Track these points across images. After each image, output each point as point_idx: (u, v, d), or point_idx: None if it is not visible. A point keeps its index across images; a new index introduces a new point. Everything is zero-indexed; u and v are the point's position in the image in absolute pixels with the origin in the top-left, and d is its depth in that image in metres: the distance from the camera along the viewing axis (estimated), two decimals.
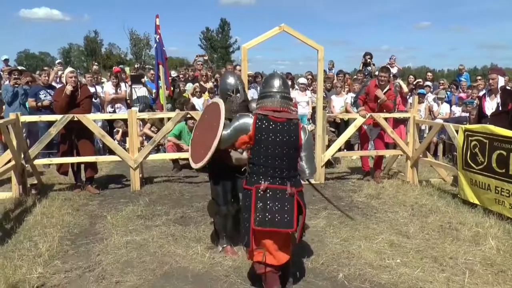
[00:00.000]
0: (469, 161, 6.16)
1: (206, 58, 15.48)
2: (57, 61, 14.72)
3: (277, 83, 3.69)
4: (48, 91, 9.00)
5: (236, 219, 4.42)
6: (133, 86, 10.66)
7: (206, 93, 10.72)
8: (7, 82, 9.13)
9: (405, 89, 9.70)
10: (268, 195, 3.49)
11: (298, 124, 3.63)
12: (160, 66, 9.90)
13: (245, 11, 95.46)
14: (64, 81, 9.69)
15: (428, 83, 11.53)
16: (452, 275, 4.07)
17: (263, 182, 3.49)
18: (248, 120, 3.64)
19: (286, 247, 3.60)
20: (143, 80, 11.08)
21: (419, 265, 4.26)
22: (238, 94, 4.42)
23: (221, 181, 4.45)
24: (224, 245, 4.56)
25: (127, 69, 14.95)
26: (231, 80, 4.47)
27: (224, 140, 3.81)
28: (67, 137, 6.89)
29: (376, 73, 9.46)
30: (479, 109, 6.99)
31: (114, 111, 10.08)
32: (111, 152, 7.55)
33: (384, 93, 7.46)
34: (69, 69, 7.20)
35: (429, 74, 13.18)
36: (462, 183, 6.32)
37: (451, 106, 10.67)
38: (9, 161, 6.60)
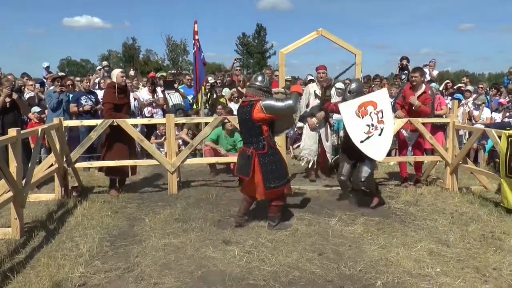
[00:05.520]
0: None
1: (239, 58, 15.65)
2: (104, 64, 15.00)
3: (253, 78, 5.49)
4: (89, 96, 9.30)
5: None
6: (166, 92, 10.83)
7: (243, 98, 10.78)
8: (51, 88, 9.46)
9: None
10: (241, 154, 5.36)
11: (254, 104, 5.16)
12: (198, 71, 10.04)
13: (283, 16, 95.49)
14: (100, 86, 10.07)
15: (469, 87, 11.23)
16: (496, 287, 3.94)
17: (242, 146, 5.46)
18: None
19: (256, 189, 5.29)
20: (175, 85, 11.26)
21: (460, 275, 4.13)
22: None
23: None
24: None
25: (164, 74, 15.20)
26: None
27: None
28: (115, 139, 7.12)
29: None
30: None
31: (152, 116, 10.27)
32: (149, 156, 7.69)
33: (419, 96, 7.32)
34: (119, 69, 7.44)
35: (464, 78, 12.79)
36: (505, 191, 6.11)
37: (491, 112, 10.34)
38: (52, 164, 6.84)
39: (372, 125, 5.63)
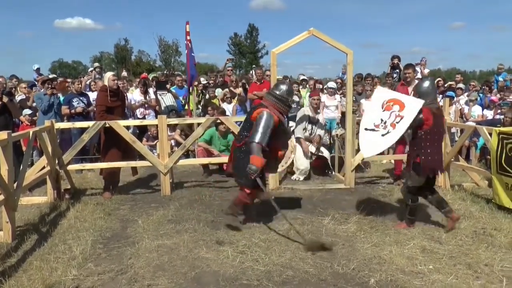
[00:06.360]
0: (504, 165, 6.00)
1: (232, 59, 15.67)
2: (95, 66, 14.80)
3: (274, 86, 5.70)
4: (81, 98, 9.26)
5: None
6: (158, 93, 10.80)
7: (236, 98, 10.79)
8: (41, 91, 9.41)
9: None
10: None
11: (258, 108, 5.21)
12: (189, 72, 10.05)
13: (275, 16, 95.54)
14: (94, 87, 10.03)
15: (461, 85, 11.32)
16: (488, 283, 3.96)
17: None
18: None
19: None
20: (168, 86, 11.23)
21: (453, 271, 4.16)
22: None
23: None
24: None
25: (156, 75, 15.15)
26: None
27: None
28: (111, 144, 7.11)
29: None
30: None
31: (144, 118, 10.23)
32: (142, 157, 7.66)
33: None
34: (111, 72, 7.46)
35: (458, 75, 12.90)
36: (496, 187, 6.16)
37: (483, 109, 10.43)
38: (44, 166, 6.80)
39: (385, 122, 5.21)
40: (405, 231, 5.25)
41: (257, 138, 5.03)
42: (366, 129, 5.35)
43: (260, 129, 5.05)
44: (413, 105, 5.10)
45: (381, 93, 5.62)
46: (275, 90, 5.43)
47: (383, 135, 5.18)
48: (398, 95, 5.50)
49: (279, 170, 6.37)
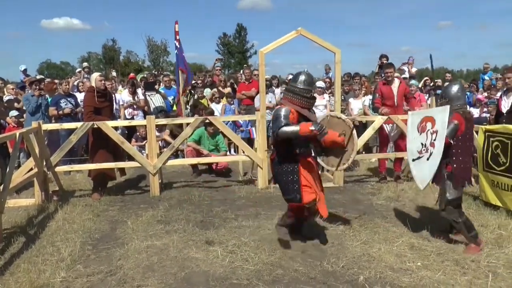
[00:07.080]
0: (490, 162, 6.08)
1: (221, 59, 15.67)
2: (84, 66, 14.56)
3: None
4: (69, 99, 9.18)
5: None
6: (147, 93, 10.76)
7: (224, 98, 10.79)
8: (29, 92, 9.33)
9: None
10: None
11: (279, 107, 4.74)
12: (180, 72, 10.02)
13: (263, 16, 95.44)
14: (82, 88, 9.98)
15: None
16: (475, 278, 4.01)
17: None
18: None
19: None
20: (156, 86, 11.19)
21: (440, 268, 4.20)
22: None
23: None
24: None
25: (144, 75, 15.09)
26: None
27: None
28: (99, 145, 7.09)
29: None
30: (497, 108, 6.98)
31: (132, 118, 10.17)
32: (131, 158, 7.63)
33: (399, 87, 7.67)
34: (97, 73, 7.43)
35: (448, 74, 13.05)
36: (483, 184, 6.23)
37: (470, 107, 10.54)
38: (32, 168, 6.74)
39: (425, 145, 4.86)
40: (394, 228, 5.29)
41: (277, 125, 4.50)
42: (413, 160, 5.07)
43: (277, 120, 4.50)
44: (441, 115, 4.78)
45: (414, 116, 5.29)
46: (292, 83, 4.76)
47: (428, 158, 4.85)
48: (427, 111, 5.26)
49: (349, 161, 4.98)
